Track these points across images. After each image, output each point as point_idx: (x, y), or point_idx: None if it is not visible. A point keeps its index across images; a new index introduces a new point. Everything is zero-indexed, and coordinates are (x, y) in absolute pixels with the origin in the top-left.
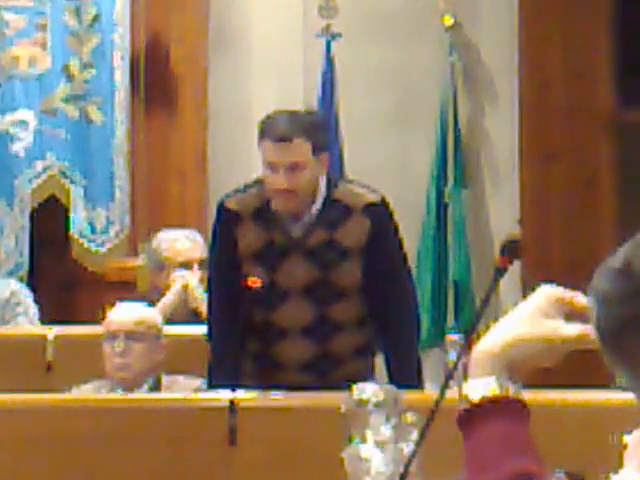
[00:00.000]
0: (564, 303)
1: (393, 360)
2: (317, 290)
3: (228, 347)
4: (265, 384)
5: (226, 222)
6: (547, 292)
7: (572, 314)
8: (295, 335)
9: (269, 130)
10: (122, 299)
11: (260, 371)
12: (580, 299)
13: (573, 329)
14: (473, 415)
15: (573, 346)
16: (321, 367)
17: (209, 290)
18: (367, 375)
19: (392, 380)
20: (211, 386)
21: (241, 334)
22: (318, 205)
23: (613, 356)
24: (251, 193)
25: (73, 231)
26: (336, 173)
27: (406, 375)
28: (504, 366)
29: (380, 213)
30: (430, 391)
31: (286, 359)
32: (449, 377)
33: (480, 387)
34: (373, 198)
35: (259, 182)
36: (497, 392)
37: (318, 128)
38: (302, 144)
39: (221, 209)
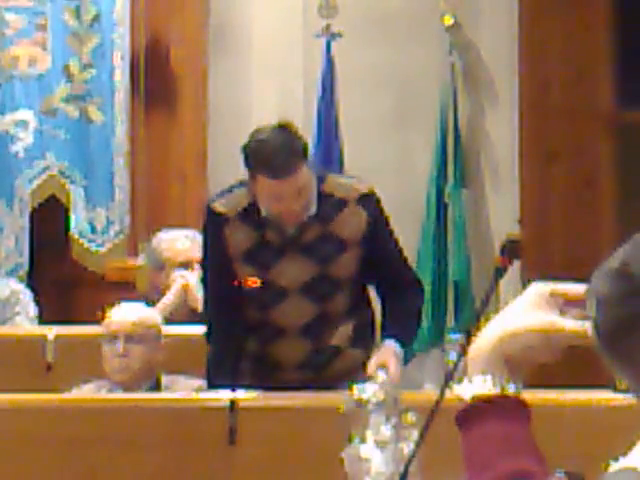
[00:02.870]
0: (557, 295)
1: (392, 316)
2: (316, 286)
3: (226, 347)
4: (263, 384)
5: (213, 225)
6: (539, 288)
7: (568, 305)
8: (293, 333)
9: (267, 167)
10: (122, 299)
11: (257, 371)
12: (573, 288)
13: (570, 323)
14: (470, 414)
15: (571, 341)
16: (318, 363)
17: (204, 291)
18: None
19: (384, 327)
20: (210, 386)
21: (240, 333)
22: (314, 205)
23: (612, 357)
24: (238, 193)
25: (73, 231)
26: (325, 168)
27: (401, 325)
28: (500, 363)
29: (375, 203)
30: (430, 391)
31: (283, 358)
32: (449, 377)
33: (474, 386)
34: (365, 189)
35: (245, 182)
36: (492, 391)
37: (305, 143)
38: (302, 169)
39: (208, 212)
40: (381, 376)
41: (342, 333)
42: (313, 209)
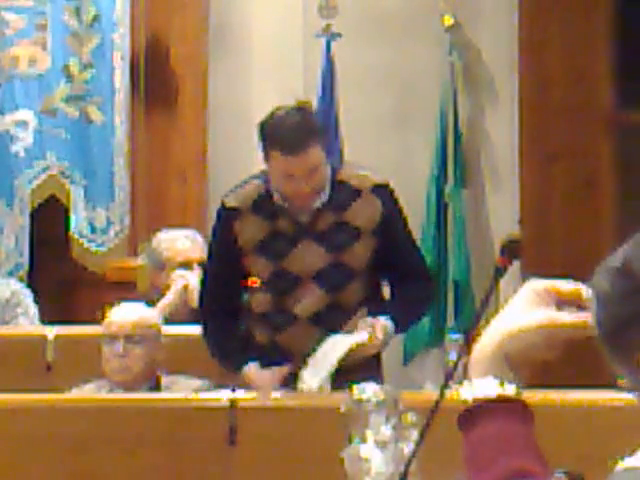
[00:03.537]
0: (552, 293)
1: (395, 300)
2: (329, 274)
3: (228, 331)
4: None
5: (225, 220)
6: (534, 285)
7: (563, 302)
8: (304, 322)
9: (281, 142)
10: (122, 299)
11: (265, 363)
12: (566, 286)
13: (570, 317)
14: (472, 415)
15: (573, 335)
16: None
17: (202, 285)
18: (371, 361)
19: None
20: (228, 362)
21: (235, 330)
22: (327, 191)
23: (614, 355)
24: (250, 186)
25: (73, 231)
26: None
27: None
28: (501, 364)
29: (390, 193)
30: (430, 391)
31: (293, 347)
32: (449, 377)
33: (477, 388)
34: (380, 179)
35: (257, 176)
36: (494, 393)
37: (320, 123)
38: (316, 148)
39: (220, 207)
40: (359, 333)
41: (353, 323)
42: (326, 195)
